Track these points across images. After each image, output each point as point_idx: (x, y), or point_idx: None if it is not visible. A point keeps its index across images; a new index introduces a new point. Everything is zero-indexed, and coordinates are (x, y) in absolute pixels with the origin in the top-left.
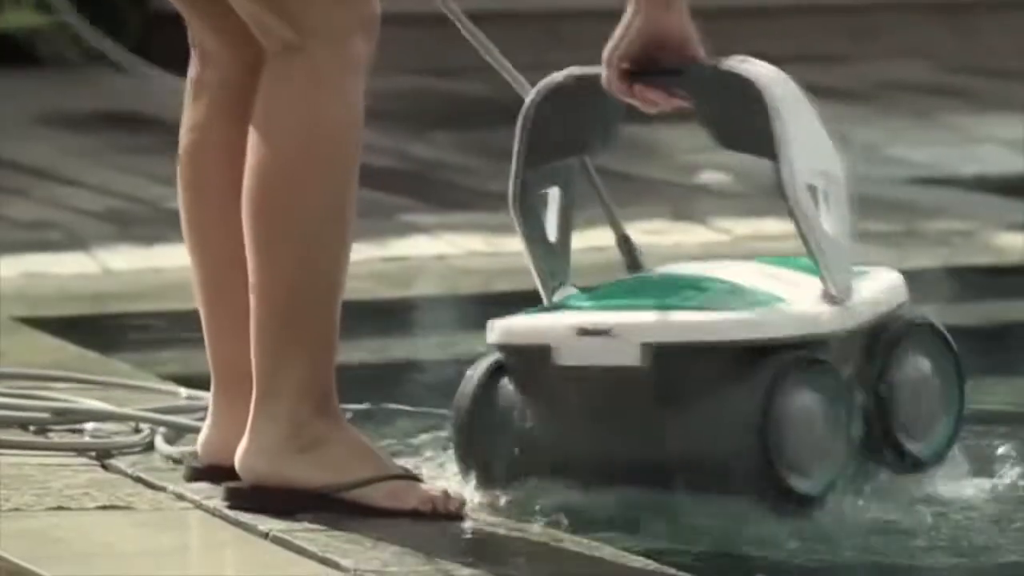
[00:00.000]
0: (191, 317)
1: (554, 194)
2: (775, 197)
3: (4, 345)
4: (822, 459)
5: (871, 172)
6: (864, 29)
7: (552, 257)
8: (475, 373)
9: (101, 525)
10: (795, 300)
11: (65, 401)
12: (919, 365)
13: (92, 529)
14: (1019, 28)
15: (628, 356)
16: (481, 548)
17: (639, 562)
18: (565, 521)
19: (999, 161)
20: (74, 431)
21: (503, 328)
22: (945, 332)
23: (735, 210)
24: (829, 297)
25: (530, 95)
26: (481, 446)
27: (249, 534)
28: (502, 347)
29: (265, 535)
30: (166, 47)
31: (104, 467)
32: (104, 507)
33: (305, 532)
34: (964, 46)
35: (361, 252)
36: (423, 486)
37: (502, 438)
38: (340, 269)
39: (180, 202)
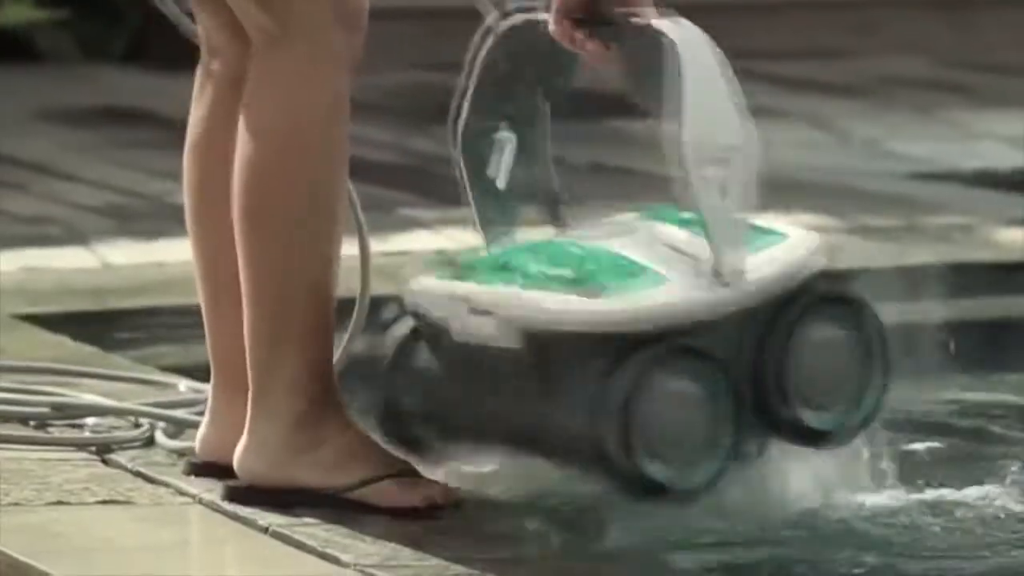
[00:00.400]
0: (192, 312)
1: (508, 140)
2: (774, 192)
3: (3, 340)
4: (689, 449)
5: (871, 167)
6: (864, 24)
7: (493, 204)
8: (395, 334)
9: (101, 520)
10: (682, 279)
11: (65, 396)
12: (825, 335)
13: (92, 524)
14: (1019, 23)
15: (509, 338)
16: (482, 542)
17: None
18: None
19: (999, 156)
20: (74, 426)
21: (412, 293)
22: (865, 303)
23: None
24: (718, 276)
25: (479, 35)
26: (395, 408)
27: (249, 529)
28: (412, 312)
29: (265, 530)
30: (165, 43)
31: (104, 462)
32: (104, 502)
33: (305, 527)
34: (964, 41)
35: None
36: (422, 482)
37: (414, 401)
38: (329, 263)
39: (184, 195)
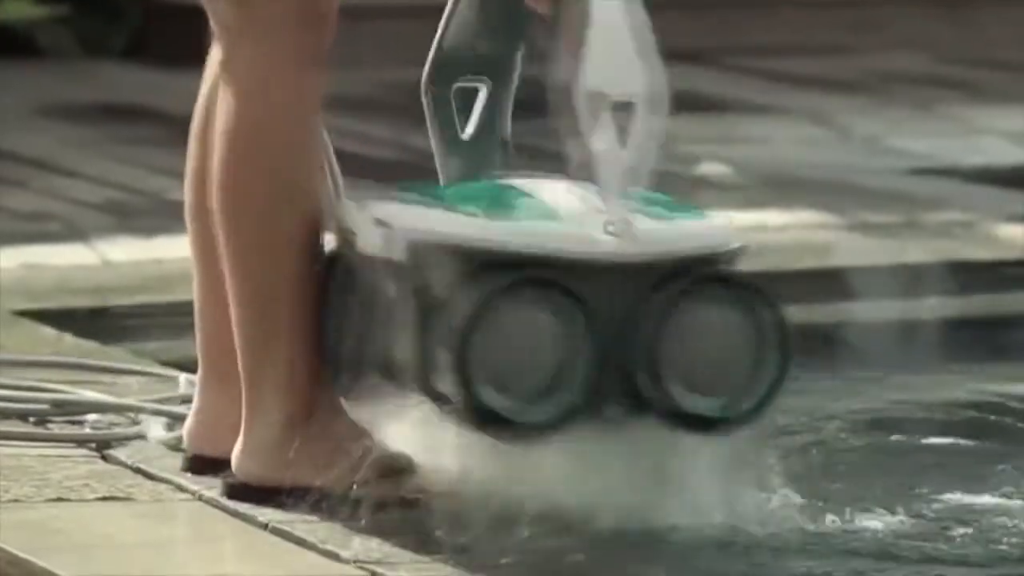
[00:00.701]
0: (191, 308)
1: (480, 91)
2: (774, 188)
3: (3, 336)
4: (532, 383)
5: (871, 163)
6: (864, 21)
7: (456, 152)
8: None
9: (101, 516)
10: (574, 222)
11: (65, 392)
12: (714, 317)
13: (92, 520)
14: (1019, 19)
15: (397, 250)
16: (480, 535)
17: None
18: None
19: (999, 152)
20: (74, 422)
21: (343, 210)
22: (761, 289)
23: (735, 201)
24: (606, 224)
25: None
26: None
27: (249, 525)
28: (338, 228)
29: (265, 526)
30: (165, 40)
31: (104, 458)
32: (104, 498)
33: (305, 523)
34: (964, 37)
35: None
36: (407, 473)
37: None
38: (308, 259)
39: (185, 186)
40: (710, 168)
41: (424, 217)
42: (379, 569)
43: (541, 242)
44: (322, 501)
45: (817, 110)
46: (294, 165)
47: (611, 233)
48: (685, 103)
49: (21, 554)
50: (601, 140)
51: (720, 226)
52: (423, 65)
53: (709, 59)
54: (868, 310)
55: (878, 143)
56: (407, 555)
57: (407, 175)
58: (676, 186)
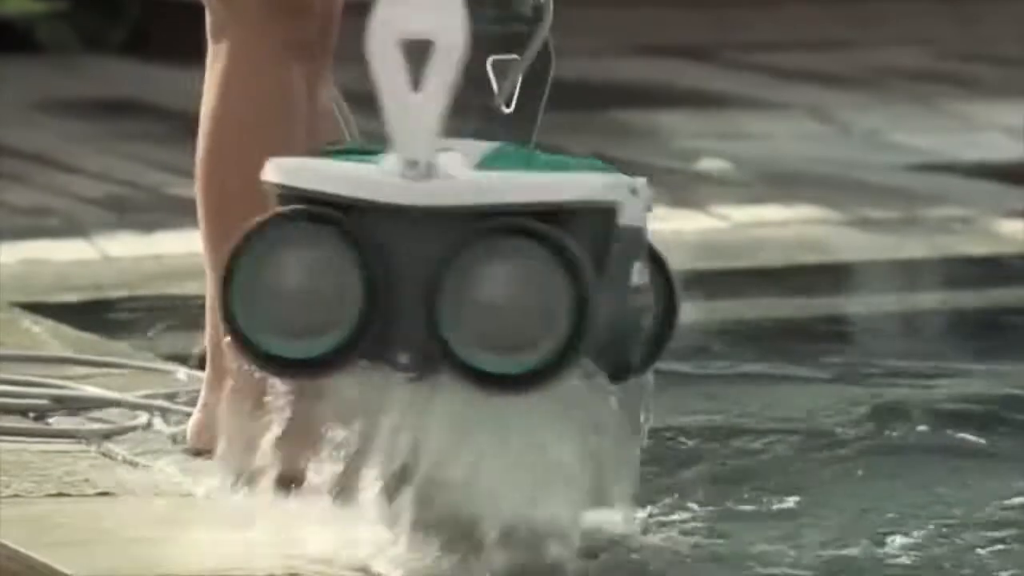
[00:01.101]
0: (191, 304)
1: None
2: (774, 184)
3: (2, 332)
4: (299, 320)
5: (871, 159)
6: (865, 16)
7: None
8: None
9: (101, 511)
10: (388, 166)
11: (65, 387)
12: (499, 269)
13: (92, 516)
14: (1019, 15)
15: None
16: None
17: None
18: None
19: (1000, 148)
20: (74, 417)
21: None
22: (565, 246)
23: (735, 197)
24: (406, 165)
25: None
26: None
27: (247, 520)
28: None
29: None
30: (164, 35)
31: (104, 454)
32: (104, 494)
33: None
34: (965, 33)
35: None
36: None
37: None
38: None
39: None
40: (710, 163)
41: (309, 168)
42: (374, 565)
43: (335, 184)
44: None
45: (817, 105)
46: (264, 155)
47: (407, 178)
48: (685, 98)
49: (21, 549)
50: (390, 79)
51: (582, 182)
52: None
53: (709, 54)
54: (867, 305)
55: (878, 138)
56: (402, 553)
57: None
58: (676, 182)
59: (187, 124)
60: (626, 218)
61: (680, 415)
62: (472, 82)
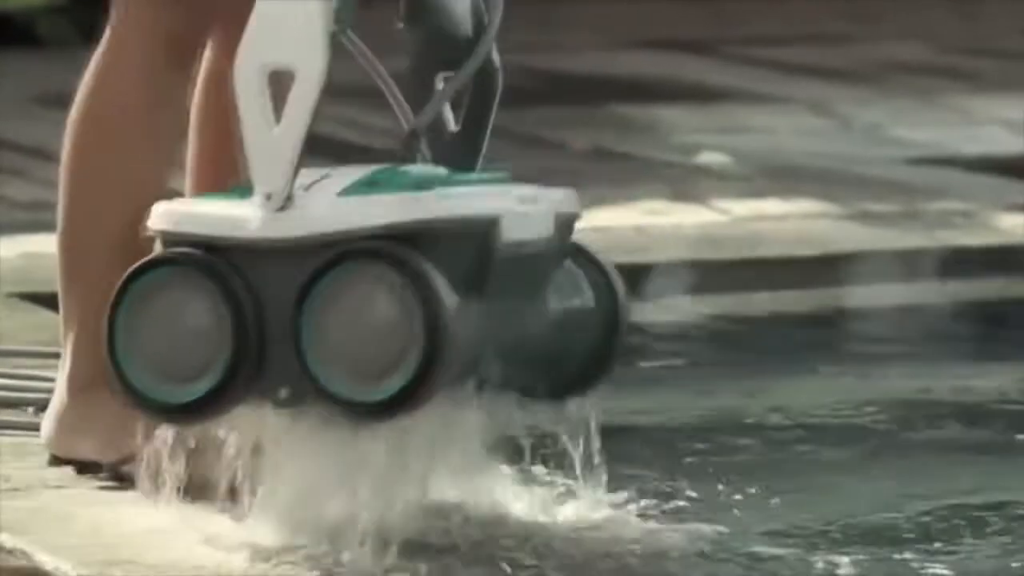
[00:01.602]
0: None
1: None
2: (775, 178)
3: (3, 324)
4: (170, 363)
5: (871, 153)
6: (866, 10)
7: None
8: None
9: (103, 504)
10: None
11: None
12: (364, 300)
13: (94, 508)
14: (1019, 9)
15: None
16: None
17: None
18: None
19: (1000, 142)
20: None
21: None
22: (422, 272)
23: (735, 191)
24: (264, 198)
25: None
26: None
27: (243, 512)
28: None
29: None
30: None
31: None
32: (105, 487)
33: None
34: (966, 27)
35: None
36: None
37: None
38: (116, 235)
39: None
40: (710, 157)
41: (179, 211)
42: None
43: (199, 225)
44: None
45: (818, 100)
46: (128, 161)
47: (271, 208)
48: (685, 92)
49: (21, 542)
50: (249, 109)
51: (439, 201)
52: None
53: (709, 48)
54: (867, 298)
55: (878, 133)
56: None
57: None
58: (676, 176)
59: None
60: (515, 234)
61: (678, 410)
62: (422, 102)
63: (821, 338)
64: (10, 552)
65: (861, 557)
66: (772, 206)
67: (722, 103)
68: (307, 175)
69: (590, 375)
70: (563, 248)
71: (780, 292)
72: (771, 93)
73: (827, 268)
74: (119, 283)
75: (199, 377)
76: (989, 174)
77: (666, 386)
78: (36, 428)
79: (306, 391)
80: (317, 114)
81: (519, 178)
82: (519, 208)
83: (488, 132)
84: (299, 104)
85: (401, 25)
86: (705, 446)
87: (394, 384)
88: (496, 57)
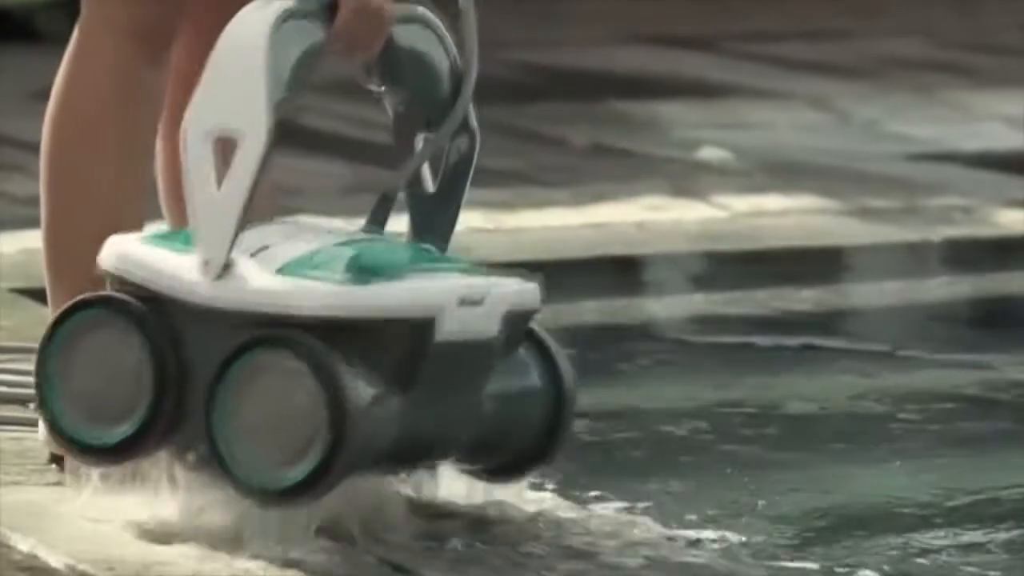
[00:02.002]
0: None
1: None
2: (775, 174)
3: (3, 319)
4: (97, 409)
5: (871, 148)
6: (865, 6)
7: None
8: None
9: (101, 499)
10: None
11: None
12: (272, 388)
13: (93, 503)
14: (1020, 4)
15: None
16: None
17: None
18: None
19: (1000, 137)
20: None
21: None
22: (324, 363)
23: (735, 187)
24: (202, 265)
25: None
26: None
27: (239, 504)
28: None
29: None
30: None
31: None
32: (104, 481)
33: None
34: (965, 23)
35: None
36: None
37: None
38: (97, 230)
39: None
40: (710, 153)
41: (126, 253)
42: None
43: (141, 272)
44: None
45: (817, 95)
46: (104, 156)
47: (201, 276)
48: (686, 88)
49: (20, 536)
50: (197, 174)
51: (362, 296)
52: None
53: (710, 44)
54: (867, 293)
55: (878, 128)
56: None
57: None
58: (676, 171)
59: None
60: (454, 332)
61: (678, 402)
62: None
63: (821, 332)
64: (9, 546)
65: (864, 554)
66: (772, 202)
67: (722, 99)
68: (261, 235)
69: (537, 458)
70: (511, 342)
71: (780, 287)
72: (771, 89)
73: (827, 263)
74: (55, 316)
75: (118, 422)
76: (989, 170)
77: (663, 380)
78: (35, 424)
79: (212, 463)
80: (258, 182)
81: (518, 175)
82: (459, 309)
83: (464, 195)
84: (242, 171)
85: (378, 87)
86: (705, 437)
87: (295, 474)
88: (474, 119)
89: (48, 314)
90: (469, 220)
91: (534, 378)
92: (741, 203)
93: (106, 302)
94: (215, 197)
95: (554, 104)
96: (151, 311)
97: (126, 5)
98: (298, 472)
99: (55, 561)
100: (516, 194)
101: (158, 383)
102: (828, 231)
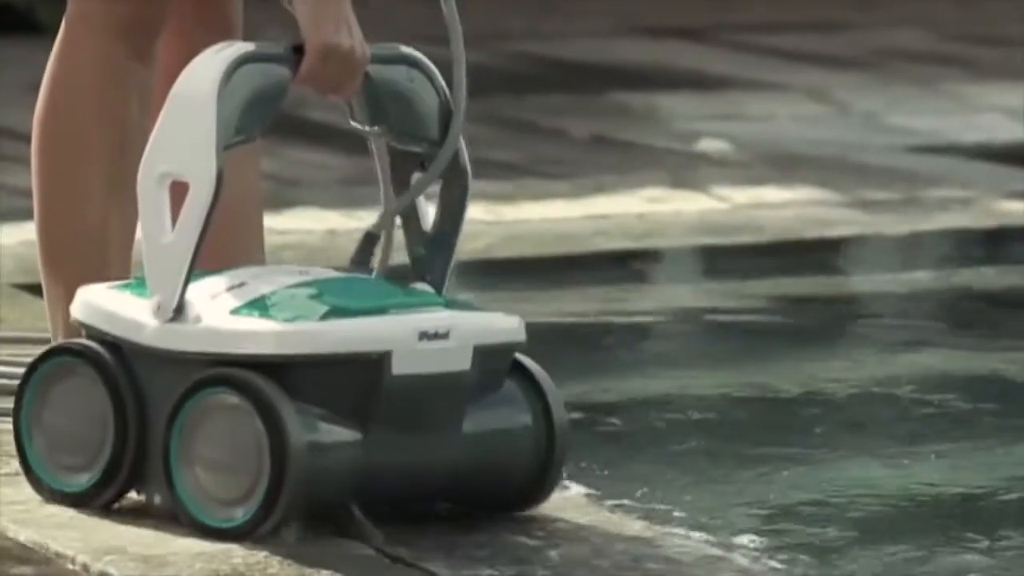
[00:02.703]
0: None
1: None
2: (774, 165)
3: (3, 311)
4: (67, 454)
5: (870, 140)
6: None
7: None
8: None
9: None
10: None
11: None
12: (220, 429)
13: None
14: None
15: None
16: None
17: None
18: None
19: (999, 129)
20: None
21: None
22: (271, 404)
23: (735, 178)
24: (155, 308)
25: None
26: None
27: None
28: None
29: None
30: None
31: None
32: None
33: None
34: (965, 14)
35: (363, 220)
36: None
37: None
38: (89, 222)
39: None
40: (710, 144)
41: (91, 301)
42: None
43: (100, 319)
44: None
45: (817, 87)
46: (93, 152)
47: (154, 319)
48: (685, 79)
49: (20, 529)
50: (147, 217)
51: (311, 334)
52: (419, 41)
53: (709, 36)
54: (865, 283)
55: (877, 120)
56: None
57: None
58: (676, 163)
59: None
60: (412, 368)
61: (680, 392)
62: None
63: (819, 323)
64: (7, 537)
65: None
66: (772, 193)
67: (721, 90)
68: (237, 276)
69: (529, 494)
70: (490, 377)
71: (780, 278)
72: (770, 80)
73: (827, 254)
74: (31, 363)
75: (84, 470)
76: (988, 161)
77: (662, 371)
78: None
79: (175, 506)
80: (210, 224)
81: (518, 167)
82: (419, 344)
83: (459, 235)
84: (191, 214)
85: (363, 127)
86: (704, 426)
87: (243, 514)
88: (465, 157)
89: (45, 308)
90: (469, 212)
91: (521, 413)
92: (741, 194)
93: (72, 350)
94: (166, 241)
95: (554, 96)
96: (113, 357)
97: (105, 2)
98: (246, 511)
99: (54, 552)
100: (516, 186)
101: (119, 429)
102: (828, 222)
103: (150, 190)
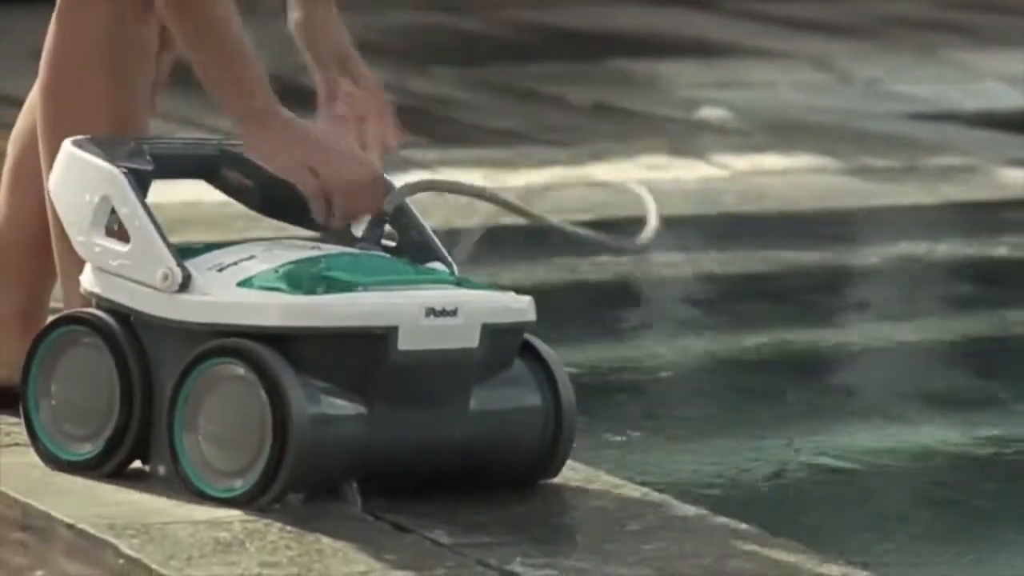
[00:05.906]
0: None
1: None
2: (775, 133)
3: None
4: (72, 424)
5: (872, 108)
6: None
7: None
8: None
9: None
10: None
11: None
12: (222, 399)
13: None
14: None
15: None
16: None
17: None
18: None
19: (1001, 97)
20: None
21: None
22: (275, 375)
23: (735, 146)
24: (161, 279)
25: None
26: None
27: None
28: None
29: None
30: None
31: None
32: None
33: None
34: None
35: None
36: None
37: None
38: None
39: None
40: (711, 112)
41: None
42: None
43: (107, 290)
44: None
45: (818, 55)
46: (101, 112)
47: (160, 290)
48: (686, 47)
49: (21, 497)
50: (140, 210)
51: (314, 306)
52: (425, 8)
53: (710, 3)
54: (867, 252)
55: (879, 87)
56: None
57: (407, 119)
58: (676, 131)
59: (180, 70)
60: (418, 344)
61: (677, 360)
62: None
63: (820, 291)
64: (10, 506)
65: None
66: (772, 161)
67: (723, 58)
68: (247, 249)
69: (533, 475)
70: (498, 357)
71: (780, 246)
72: (772, 48)
73: (827, 222)
74: (38, 332)
75: (89, 439)
76: (989, 129)
77: (661, 337)
78: None
79: (178, 476)
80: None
81: (519, 134)
82: (425, 320)
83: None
84: (128, 210)
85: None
86: (704, 394)
87: (244, 484)
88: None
89: (59, 279)
90: (468, 179)
91: (530, 394)
92: (741, 162)
93: (79, 319)
94: (147, 224)
95: (555, 63)
96: (121, 327)
97: None
98: (245, 482)
99: (55, 520)
100: (517, 153)
101: (125, 399)
102: (828, 190)
103: (128, 184)
